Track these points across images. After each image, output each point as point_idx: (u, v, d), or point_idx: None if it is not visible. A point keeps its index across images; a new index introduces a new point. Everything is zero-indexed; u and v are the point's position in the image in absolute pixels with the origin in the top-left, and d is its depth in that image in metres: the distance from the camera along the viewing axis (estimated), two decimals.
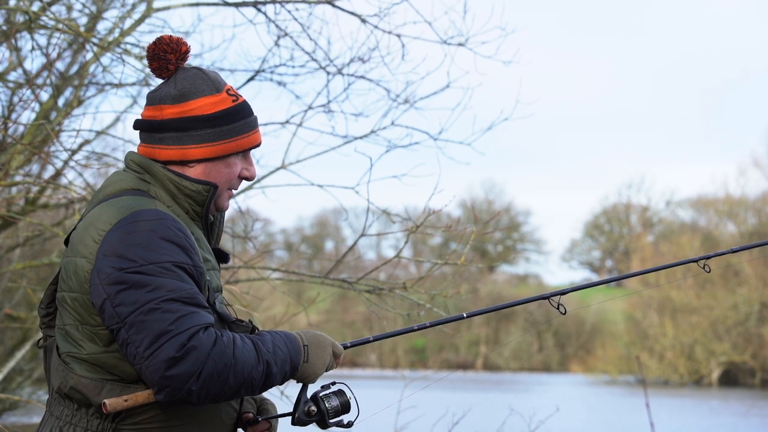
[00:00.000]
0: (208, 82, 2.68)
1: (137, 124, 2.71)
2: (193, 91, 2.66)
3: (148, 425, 2.52)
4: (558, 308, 2.98)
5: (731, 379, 42.81)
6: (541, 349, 52.66)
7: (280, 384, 2.57)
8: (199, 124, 2.65)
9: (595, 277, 66.00)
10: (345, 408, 2.68)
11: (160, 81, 2.74)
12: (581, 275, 67.83)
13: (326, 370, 2.66)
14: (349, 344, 2.78)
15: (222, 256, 2.76)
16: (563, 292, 3.02)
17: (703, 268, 3.41)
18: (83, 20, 7.55)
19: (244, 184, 2.97)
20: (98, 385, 2.50)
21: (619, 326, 46.27)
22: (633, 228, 62.34)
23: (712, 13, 76.78)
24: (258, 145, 2.77)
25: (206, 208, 2.67)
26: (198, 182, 2.64)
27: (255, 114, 2.76)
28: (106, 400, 2.45)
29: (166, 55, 2.68)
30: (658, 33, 78.02)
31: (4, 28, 6.87)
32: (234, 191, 2.78)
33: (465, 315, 2.96)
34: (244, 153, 2.73)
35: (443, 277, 8.54)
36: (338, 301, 42.39)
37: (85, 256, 2.51)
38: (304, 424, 2.67)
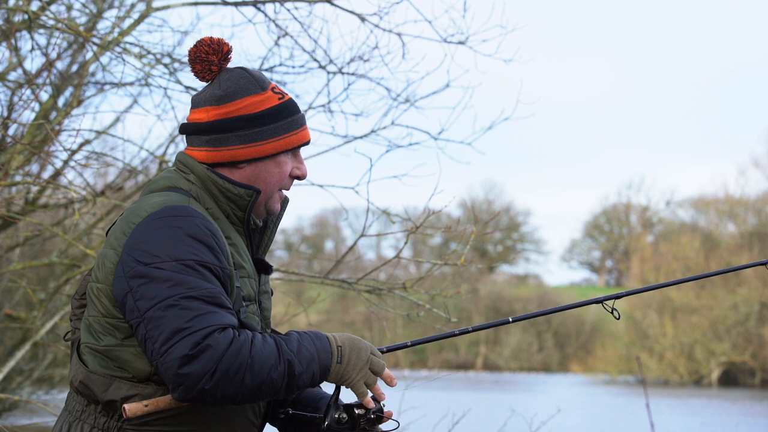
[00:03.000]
0: (253, 81, 2.64)
1: (183, 129, 2.67)
2: (239, 91, 2.62)
3: (155, 428, 2.48)
4: (612, 312, 2.88)
5: (731, 379, 42.81)
6: (541, 349, 52.68)
7: (311, 386, 2.49)
8: (246, 123, 2.61)
9: (594, 278, 66.07)
10: (379, 418, 2.58)
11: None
12: (581, 275, 67.93)
13: (367, 383, 2.52)
14: (385, 349, 2.66)
15: (264, 267, 2.69)
16: (618, 296, 2.91)
17: None
18: (83, 20, 7.54)
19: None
20: (106, 381, 2.48)
21: (619, 326, 46.28)
22: (633, 228, 62.38)
23: (713, 9, 76.80)
24: (308, 143, 2.71)
25: (248, 213, 2.62)
26: (241, 186, 2.60)
27: (302, 111, 2.71)
28: (126, 405, 2.41)
29: (209, 57, 2.64)
30: (658, 33, 78.04)
31: (4, 27, 6.86)
32: (285, 192, 2.71)
33: (510, 320, 2.84)
34: (294, 151, 2.68)
35: (443, 278, 8.52)
36: (338, 301, 42.39)
37: (114, 247, 2.48)
38: (334, 431, 2.58)
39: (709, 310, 42.12)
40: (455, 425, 7.48)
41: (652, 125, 78.98)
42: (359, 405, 2.56)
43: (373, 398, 2.57)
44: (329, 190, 7.25)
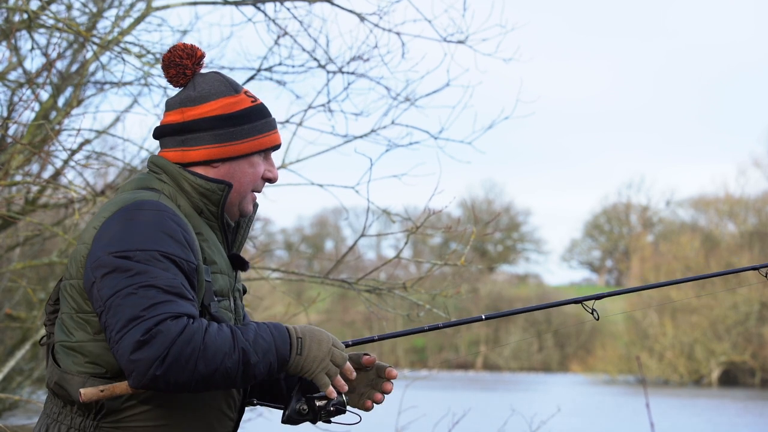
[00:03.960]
0: (227, 83, 2.71)
1: (158, 132, 2.72)
2: (213, 92, 2.68)
3: (130, 423, 2.50)
4: (592, 313, 2.88)
5: (731, 378, 42.82)
6: (540, 348, 52.68)
7: (270, 376, 2.50)
8: (221, 123, 2.66)
9: (594, 277, 66.07)
10: (339, 411, 2.61)
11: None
12: (581, 275, 67.92)
13: (328, 374, 2.54)
14: (350, 342, 2.70)
15: (240, 263, 2.73)
16: (598, 297, 2.91)
17: (766, 276, 3.11)
18: (83, 19, 7.53)
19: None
20: (80, 380, 2.49)
21: (619, 326, 46.27)
22: (633, 228, 62.36)
23: (713, 9, 76.80)
24: (278, 146, 2.77)
25: (221, 207, 2.66)
26: (213, 181, 2.64)
27: (273, 116, 2.77)
28: (81, 390, 2.44)
29: (183, 61, 2.70)
30: (658, 33, 78.04)
31: (4, 27, 6.85)
32: (258, 194, 2.76)
33: (483, 317, 2.82)
34: (266, 154, 2.74)
35: (443, 278, 8.51)
36: (338, 301, 42.36)
37: (85, 242, 2.52)
38: (294, 422, 2.61)
39: (709, 309, 42.10)
40: (455, 425, 7.47)
41: (652, 125, 79.02)
42: (321, 396, 2.59)
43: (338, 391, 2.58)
44: (329, 190, 7.25)
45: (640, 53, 78.93)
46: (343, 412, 2.62)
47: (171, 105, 2.70)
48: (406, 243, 6.83)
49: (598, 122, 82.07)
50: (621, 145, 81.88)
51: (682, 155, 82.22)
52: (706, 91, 79.87)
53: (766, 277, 3.09)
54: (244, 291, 2.84)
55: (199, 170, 2.67)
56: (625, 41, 79.11)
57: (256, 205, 2.79)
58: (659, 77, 78.56)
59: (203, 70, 2.75)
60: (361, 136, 7.24)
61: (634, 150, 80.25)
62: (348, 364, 2.59)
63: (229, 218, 2.72)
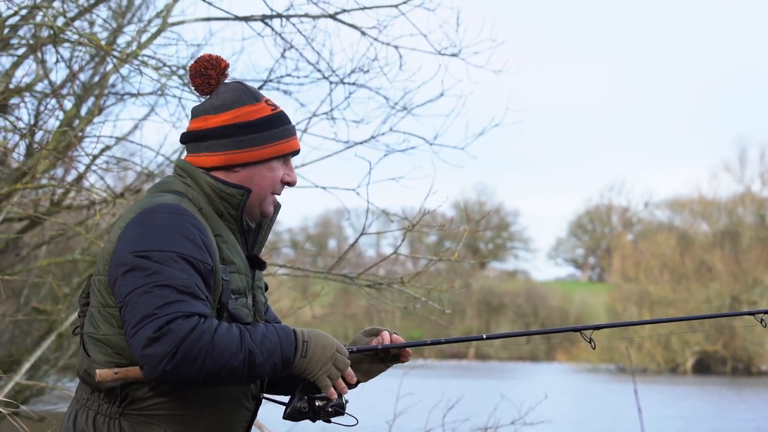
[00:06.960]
0: (248, 92, 2.69)
1: (183, 138, 2.71)
2: (235, 101, 2.66)
3: (153, 411, 2.50)
4: (590, 342, 2.84)
5: (704, 367, 42.94)
6: (528, 340, 52.66)
7: (275, 376, 2.49)
8: (242, 130, 2.64)
9: (578, 273, 66.12)
10: (338, 412, 2.59)
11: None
12: (566, 271, 67.99)
13: (329, 377, 2.53)
14: (354, 349, 2.67)
15: (258, 263, 2.71)
16: (597, 327, 2.86)
17: (761, 322, 2.88)
18: (104, 34, 7.53)
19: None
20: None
21: (601, 318, 46.26)
22: (614, 227, 62.45)
23: (711, 16, 76.72)
24: (298, 152, 2.75)
25: (241, 211, 2.64)
26: (234, 186, 2.63)
27: (293, 123, 2.75)
28: (97, 370, 2.45)
29: (208, 71, 2.68)
30: (654, 40, 77.96)
31: (31, 42, 6.85)
32: (278, 196, 2.74)
33: (485, 336, 2.79)
34: (285, 159, 2.72)
35: (438, 273, 8.52)
36: (341, 295, 42.37)
37: (112, 241, 2.52)
38: (294, 419, 2.59)
39: (684, 303, 42.18)
40: (450, 410, 7.46)
41: (649, 131, 78.82)
42: (322, 397, 2.57)
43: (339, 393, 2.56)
44: (332, 192, 7.25)
45: (637, 60, 78.75)
46: (342, 413, 2.60)
47: (196, 112, 2.69)
48: (402, 240, 6.83)
49: (594, 128, 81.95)
50: (606, 150, 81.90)
51: (660, 159, 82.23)
52: (703, 96, 79.50)
53: (761, 323, 2.89)
54: (266, 288, 2.81)
55: (221, 174, 2.65)
56: (622, 49, 79.00)
57: (278, 206, 2.76)
58: (656, 83, 78.25)
59: (227, 80, 2.73)
60: (361, 142, 7.24)
61: (615, 154, 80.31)
62: (349, 369, 2.57)
63: (249, 220, 2.70)
